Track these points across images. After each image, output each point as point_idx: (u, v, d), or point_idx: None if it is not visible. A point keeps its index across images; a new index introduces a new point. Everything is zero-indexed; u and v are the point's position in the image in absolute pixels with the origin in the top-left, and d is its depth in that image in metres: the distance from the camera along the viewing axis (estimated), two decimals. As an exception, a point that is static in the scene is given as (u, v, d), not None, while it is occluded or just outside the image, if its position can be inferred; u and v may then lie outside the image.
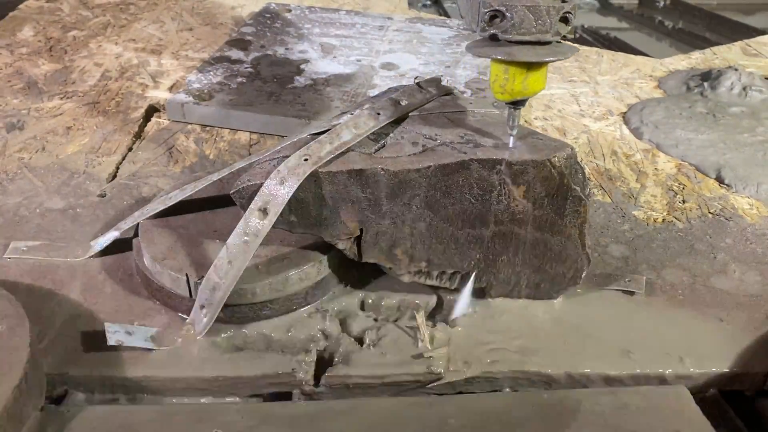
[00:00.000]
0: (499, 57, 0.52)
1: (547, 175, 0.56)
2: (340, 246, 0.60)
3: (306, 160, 0.56)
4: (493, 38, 0.52)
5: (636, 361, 0.58)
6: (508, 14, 0.50)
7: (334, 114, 0.74)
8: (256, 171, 0.58)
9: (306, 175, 0.55)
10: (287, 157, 0.58)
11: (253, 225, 0.56)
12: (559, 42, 0.53)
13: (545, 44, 0.52)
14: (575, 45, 0.54)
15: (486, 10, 0.51)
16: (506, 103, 0.56)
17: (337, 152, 0.57)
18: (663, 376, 0.57)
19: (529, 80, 0.53)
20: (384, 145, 0.60)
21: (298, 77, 1.00)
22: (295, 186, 0.55)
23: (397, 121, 0.63)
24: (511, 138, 0.58)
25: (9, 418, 0.46)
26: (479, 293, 0.63)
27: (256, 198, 0.56)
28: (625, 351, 0.59)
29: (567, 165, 0.56)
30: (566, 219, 0.58)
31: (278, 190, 0.56)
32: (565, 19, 0.52)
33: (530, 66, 0.52)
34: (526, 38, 0.51)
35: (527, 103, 1.00)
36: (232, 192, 0.58)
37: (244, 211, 0.57)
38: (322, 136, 0.58)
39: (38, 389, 0.50)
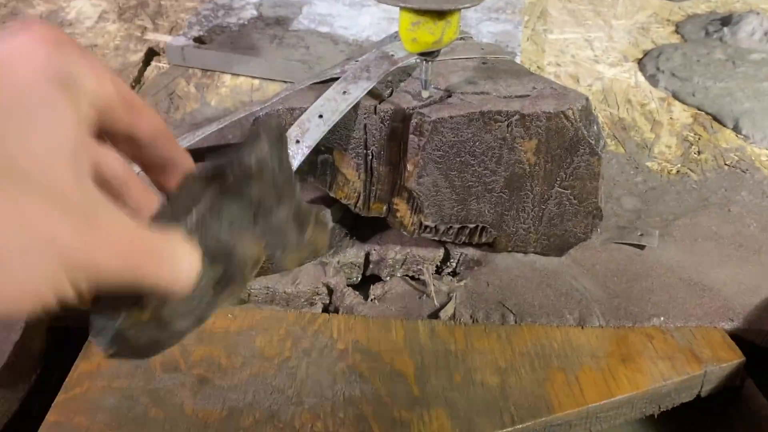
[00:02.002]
0: (400, 5, 0.49)
1: (561, 127, 0.54)
2: (344, 201, 0.58)
3: (320, 116, 0.54)
4: None
5: (656, 316, 0.57)
6: None
7: (339, 60, 0.71)
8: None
9: (323, 134, 0.53)
10: (294, 109, 0.56)
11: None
12: None
13: None
14: None
15: None
16: (417, 55, 0.53)
17: (349, 107, 0.55)
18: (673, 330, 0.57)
19: (439, 29, 0.50)
20: (392, 93, 0.58)
21: (301, 19, 0.96)
22: (312, 146, 0.53)
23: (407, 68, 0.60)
24: (424, 93, 0.56)
25: None
26: (487, 247, 0.62)
27: None
28: (642, 307, 0.58)
29: (582, 117, 0.54)
30: (579, 173, 0.56)
31: (294, 148, 0.54)
32: None
33: (440, 14, 0.49)
34: None
35: (540, 48, 0.98)
36: (252, 120, 0.57)
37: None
38: (331, 91, 0.55)
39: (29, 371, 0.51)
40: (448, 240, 0.61)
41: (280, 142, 0.30)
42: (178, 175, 0.29)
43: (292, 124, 0.54)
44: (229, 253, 0.28)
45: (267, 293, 0.58)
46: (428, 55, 0.53)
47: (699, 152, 0.78)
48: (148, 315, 0.26)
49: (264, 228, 0.30)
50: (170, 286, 0.25)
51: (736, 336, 0.57)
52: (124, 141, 0.27)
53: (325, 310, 0.59)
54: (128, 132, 0.26)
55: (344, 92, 0.55)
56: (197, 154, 0.66)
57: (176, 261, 0.25)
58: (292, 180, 0.31)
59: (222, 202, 0.28)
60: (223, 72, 0.88)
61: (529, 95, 0.56)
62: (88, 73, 0.23)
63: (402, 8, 0.50)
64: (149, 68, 0.90)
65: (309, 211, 0.33)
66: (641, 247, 0.64)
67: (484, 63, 0.62)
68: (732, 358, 0.55)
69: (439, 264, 0.63)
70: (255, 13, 0.97)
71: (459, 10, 0.50)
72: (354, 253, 0.62)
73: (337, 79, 0.57)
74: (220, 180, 0.28)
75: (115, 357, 0.26)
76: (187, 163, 0.29)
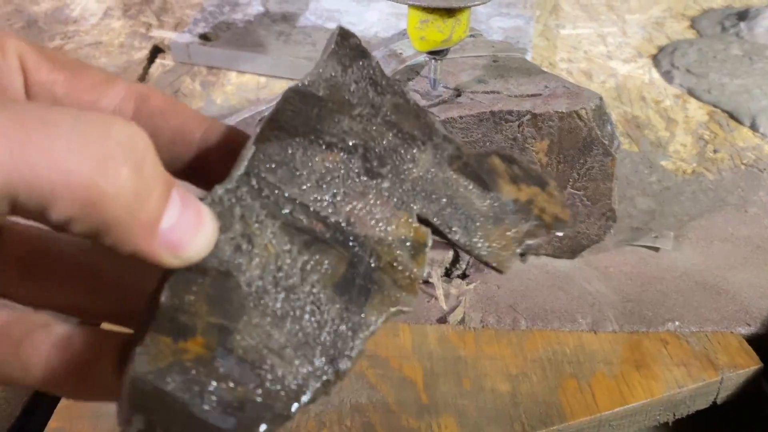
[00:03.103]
0: (409, 2, 0.48)
1: (574, 127, 0.52)
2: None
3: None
4: None
5: (670, 321, 0.56)
6: None
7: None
8: None
9: None
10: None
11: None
12: None
13: None
14: None
15: None
16: (425, 53, 0.52)
17: None
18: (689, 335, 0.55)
19: (448, 27, 0.49)
20: (399, 92, 0.56)
21: (308, 15, 0.95)
22: None
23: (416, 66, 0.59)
24: (433, 93, 0.55)
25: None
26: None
27: None
28: (657, 311, 0.56)
29: (596, 117, 0.52)
30: (593, 174, 0.55)
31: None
32: None
33: (449, 12, 0.48)
34: None
35: (552, 44, 0.96)
36: (258, 120, 0.56)
37: None
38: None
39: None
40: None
41: (360, 56, 0.21)
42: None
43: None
44: (338, 227, 0.18)
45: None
46: (437, 53, 0.52)
47: (715, 151, 0.77)
48: (199, 343, 0.17)
49: (402, 189, 0.19)
50: (147, 236, 0.17)
51: (753, 341, 0.55)
52: None
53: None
54: None
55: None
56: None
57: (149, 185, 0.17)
58: (414, 109, 0.21)
59: (282, 148, 0.19)
60: (228, 69, 0.87)
61: (540, 94, 0.54)
62: None
63: (410, 6, 0.48)
64: (154, 65, 0.89)
65: (487, 157, 0.21)
66: (656, 249, 0.63)
67: (494, 61, 0.61)
68: (749, 365, 0.53)
69: (448, 266, 0.62)
70: (261, 9, 0.96)
71: (469, 7, 0.48)
72: (361, 255, 0.61)
73: (344, 77, 0.56)
74: (272, 123, 0.19)
75: None
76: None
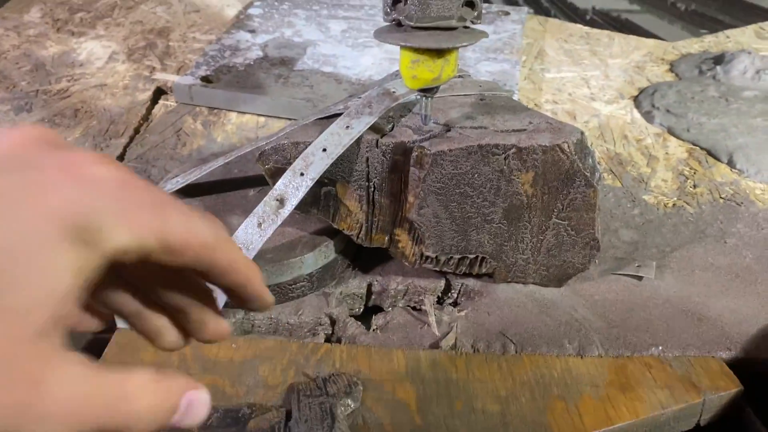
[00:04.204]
0: (401, 44, 0.51)
1: (557, 160, 0.55)
2: (347, 231, 0.59)
3: (324, 150, 0.56)
4: (398, 24, 0.51)
5: (654, 346, 0.58)
6: None
7: (342, 97, 0.73)
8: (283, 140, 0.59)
9: (327, 167, 0.55)
10: (299, 143, 0.57)
11: (269, 213, 0.55)
12: (467, 27, 0.52)
13: (451, 30, 0.51)
14: (484, 30, 0.53)
15: None
16: (417, 91, 0.55)
17: (352, 141, 0.56)
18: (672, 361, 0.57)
19: (438, 66, 0.52)
20: (393, 128, 0.60)
21: (305, 59, 0.99)
22: (315, 178, 0.55)
23: (406, 105, 0.62)
24: (424, 128, 0.58)
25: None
26: (487, 278, 0.63)
27: (273, 189, 0.55)
28: (641, 337, 0.59)
29: (577, 150, 0.56)
30: (576, 205, 0.58)
31: (298, 180, 0.55)
32: (470, 4, 0.51)
33: (438, 52, 0.51)
34: (429, 24, 0.50)
35: (537, 87, 1.00)
36: (258, 154, 0.59)
37: (267, 173, 0.58)
38: (334, 126, 0.57)
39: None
40: (449, 270, 0.62)
41: None
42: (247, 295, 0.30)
43: (296, 158, 0.56)
44: None
45: (270, 323, 0.59)
46: (428, 91, 0.55)
47: (694, 186, 0.80)
48: None
49: None
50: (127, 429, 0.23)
51: (734, 365, 0.57)
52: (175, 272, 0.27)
53: (328, 340, 0.60)
54: (177, 267, 0.25)
55: (347, 127, 0.57)
56: (205, 187, 0.69)
57: (132, 406, 0.22)
58: None
59: None
60: (229, 110, 0.91)
61: (525, 129, 0.58)
62: (116, 222, 0.21)
63: (402, 47, 0.52)
64: (157, 106, 0.92)
65: None
66: (639, 278, 0.65)
67: (482, 99, 0.64)
68: (730, 387, 0.55)
69: (440, 295, 0.64)
70: (261, 53, 1.01)
71: (456, 48, 0.52)
72: (356, 284, 0.64)
73: (340, 114, 0.59)
74: None
75: None
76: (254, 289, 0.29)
